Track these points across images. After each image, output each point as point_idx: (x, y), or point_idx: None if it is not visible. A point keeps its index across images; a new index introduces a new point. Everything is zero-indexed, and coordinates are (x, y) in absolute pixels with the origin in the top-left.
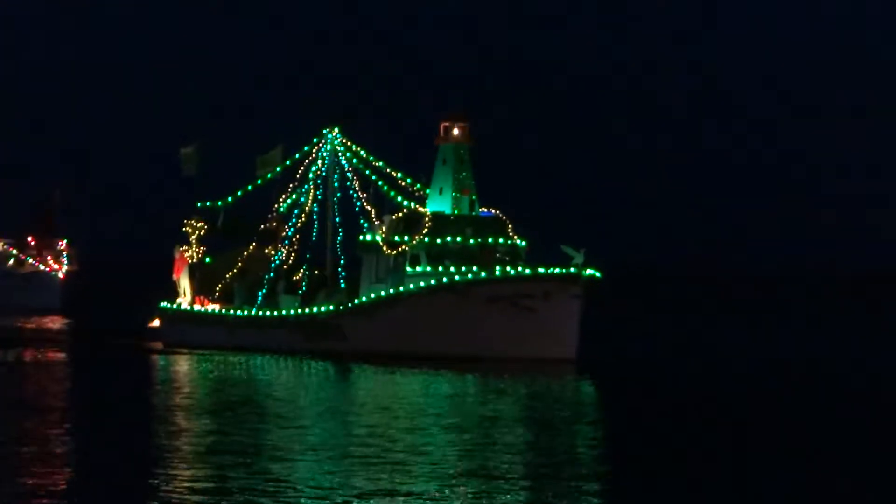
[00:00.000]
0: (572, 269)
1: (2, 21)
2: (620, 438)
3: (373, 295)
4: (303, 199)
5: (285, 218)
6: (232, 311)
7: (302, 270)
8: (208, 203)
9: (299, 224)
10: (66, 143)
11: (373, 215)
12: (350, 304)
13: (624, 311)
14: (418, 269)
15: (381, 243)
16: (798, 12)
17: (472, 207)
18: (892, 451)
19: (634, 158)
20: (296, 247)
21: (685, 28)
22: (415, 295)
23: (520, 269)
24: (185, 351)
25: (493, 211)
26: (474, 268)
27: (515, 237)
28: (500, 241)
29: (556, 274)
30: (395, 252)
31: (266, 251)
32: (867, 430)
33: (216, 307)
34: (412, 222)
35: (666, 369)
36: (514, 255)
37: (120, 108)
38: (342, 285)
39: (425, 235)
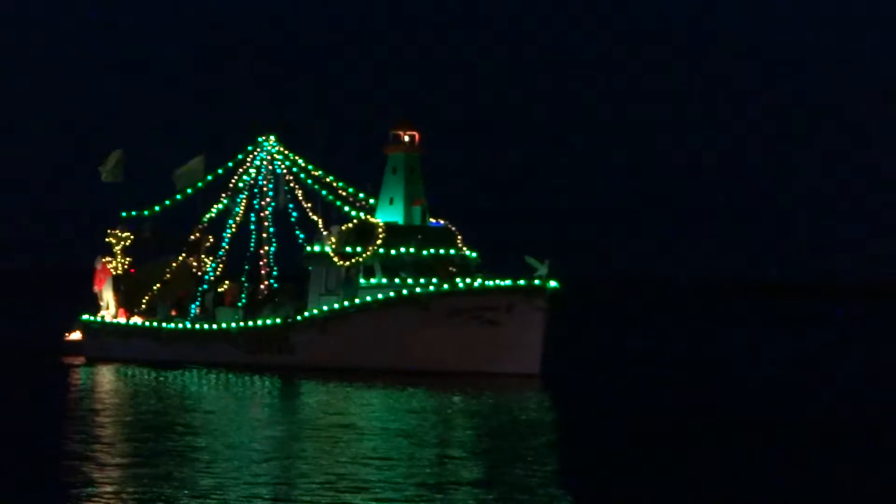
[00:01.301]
0: (536, 281)
1: None
2: (577, 450)
3: (325, 308)
4: (237, 210)
5: (208, 229)
6: (165, 324)
7: (240, 283)
8: (133, 212)
9: (229, 235)
10: None
11: (320, 225)
12: (299, 317)
13: (583, 323)
14: (373, 280)
15: (331, 254)
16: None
17: (424, 218)
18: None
19: (591, 166)
20: (223, 258)
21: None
22: (371, 307)
23: (482, 281)
24: (118, 365)
25: (442, 222)
26: (434, 280)
27: (464, 249)
28: (452, 252)
29: (521, 286)
30: (347, 263)
31: (190, 263)
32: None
33: (138, 320)
34: (364, 233)
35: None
36: (465, 268)
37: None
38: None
39: (379, 247)
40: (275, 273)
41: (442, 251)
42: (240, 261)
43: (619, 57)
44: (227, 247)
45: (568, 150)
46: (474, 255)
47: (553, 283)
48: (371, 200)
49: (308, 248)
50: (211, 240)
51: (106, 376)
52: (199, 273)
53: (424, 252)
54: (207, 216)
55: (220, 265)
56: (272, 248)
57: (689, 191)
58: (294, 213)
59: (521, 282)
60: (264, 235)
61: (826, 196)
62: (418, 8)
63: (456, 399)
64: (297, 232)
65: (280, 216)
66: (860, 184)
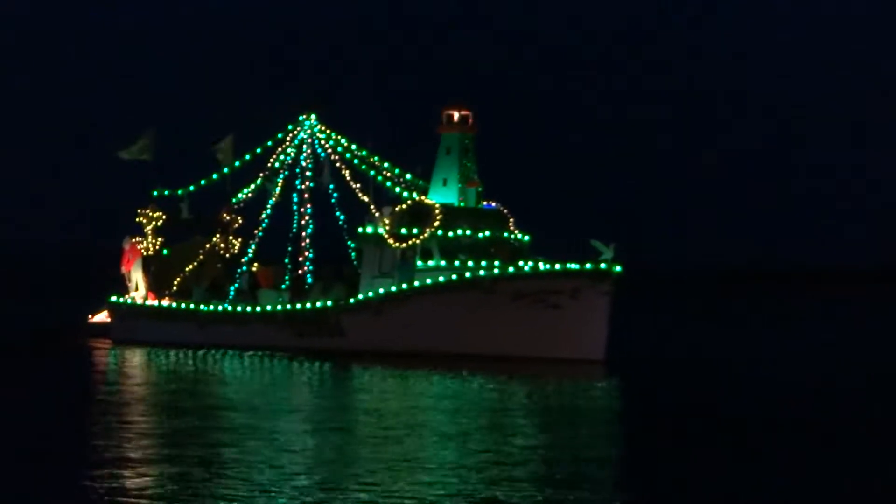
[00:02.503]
0: (602, 266)
1: None
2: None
3: (381, 290)
4: (276, 190)
5: (239, 210)
6: (204, 306)
7: (278, 265)
8: (166, 192)
9: (266, 216)
10: None
11: (371, 206)
12: (354, 299)
13: (645, 310)
14: (430, 263)
15: (385, 235)
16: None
17: (478, 200)
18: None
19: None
20: (257, 240)
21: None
22: (433, 290)
23: (548, 264)
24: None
25: (494, 204)
26: (496, 262)
27: (516, 232)
28: (505, 235)
29: (587, 270)
30: (403, 245)
31: (218, 244)
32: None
33: (170, 302)
34: (420, 214)
35: (697, 370)
36: (519, 251)
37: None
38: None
39: (437, 228)
40: (310, 255)
41: (496, 233)
42: (275, 243)
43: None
44: (263, 228)
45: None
46: (526, 238)
47: (618, 268)
48: (418, 181)
49: (361, 230)
50: (240, 220)
51: (139, 358)
52: (227, 255)
53: (480, 234)
54: (241, 196)
55: (254, 247)
56: (309, 230)
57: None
58: (335, 194)
59: (588, 266)
60: (296, 216)
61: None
62: None
63: (520, 387)
64: (338, 213)
65: (319, 197)
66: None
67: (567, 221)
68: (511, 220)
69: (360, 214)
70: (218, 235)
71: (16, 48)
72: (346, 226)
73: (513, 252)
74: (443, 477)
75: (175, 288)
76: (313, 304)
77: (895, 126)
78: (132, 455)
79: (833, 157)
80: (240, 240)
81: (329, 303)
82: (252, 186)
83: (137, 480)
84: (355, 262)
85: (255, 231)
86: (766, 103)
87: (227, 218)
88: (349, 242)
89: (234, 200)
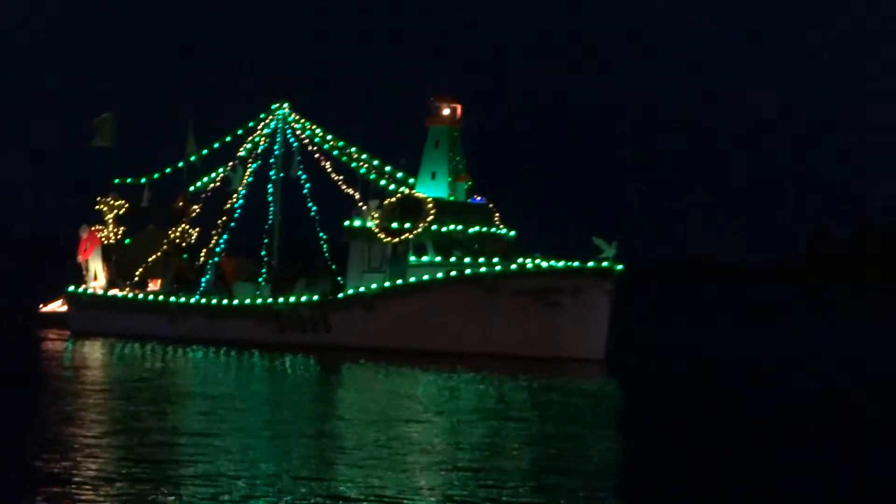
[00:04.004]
0: (604, 263)
1: None
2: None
3: (373, 286)
4: (243, 179)
5: (195, 198)
6: (174, 298)
7: (246, 257)
8: (129, 180)
9: (229, 206)
10: None
11: (358, 199)
12: (343, 294)
13: (645, 308)
14: (424, 259)
15: (375, 229)
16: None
17: (468, 194)
18: None
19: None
20: (220, 230)
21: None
22: (431, 286)
23: (551, 262)
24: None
25: (481, 198)
26: (495, 259)
27: (502, 227)
28: (493, 230)
29: (590, 268)
30: (396, 240)
31: (174, 234)
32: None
33: (137, 293)
34: (411, 208)
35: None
36: (510, 247)
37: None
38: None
39: (432, 223)
40: (275, 247)
41: (485, 229)
42: (242, 234)
43: None
44: (225, 219)
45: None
46: (512, 233)
47: (619, 266)
48: (399, 174)
49: (347, 223)
50: (197, 210)
51: (101, 350)
52: (184, 245)
53: (471, 230)
54: (199, 185)
55: (226, 237)
56: (270, 220)
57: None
58: (307, 185)
59: (591, 264)
60: (272, 208)
61: None
62: None
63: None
64: (310, 205)
65: (289, 187)
66: None
67: (550, 218)
68: (497, 215)
69: (332, 207)
70: (176, 225)
71: None
72: (317, 217)
73: (507, 248)
74: (431, 473)
75: (137, 279)
76: (297, 298)
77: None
78: (87, 441)
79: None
80: (198, 230)
81: (315, 297)
82: (213, 175)
83: (89, 463)
84: (327, 255)
85: (219, 221)
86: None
87: (183, 207)
88: (321, 234)
89: (190, 189)
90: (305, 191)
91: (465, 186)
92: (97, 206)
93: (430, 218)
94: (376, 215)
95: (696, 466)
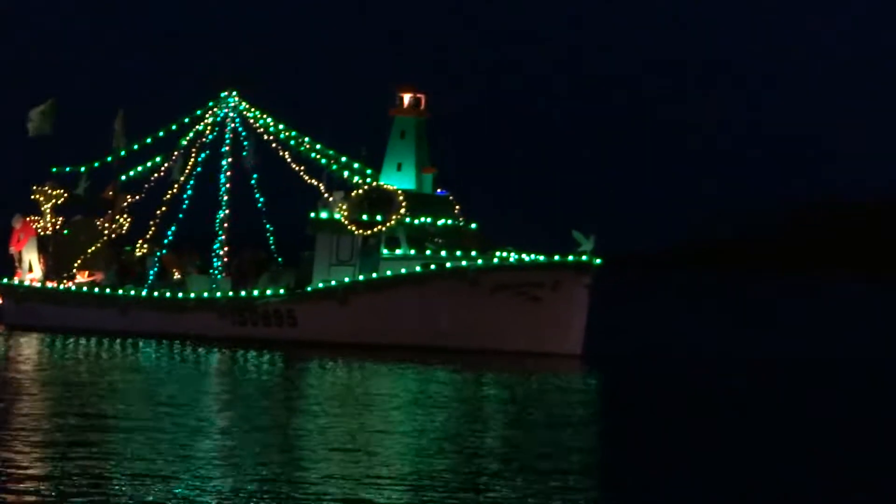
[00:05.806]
0: (584, 257)
1: None
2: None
3: (346, 279)
4: (198, 170)
5: (127, 187)
6: (123, 290)
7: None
8: (67, 168)
9: (168, 196)
10: None
11: (322, 191)
12: (311, 287)
13: (620, 301)
14: (398, 252)
15: (344, 222)
16: None
17: (434, 186)
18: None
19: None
20: (157, 221)
21: None
22: (409, 280)
23: (531, 256)
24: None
25: (442, 191)
26: (473, 252)
27: (461, 219)
28: (457, 223)
29: (570, 262)
30: (367, 232)
31: (102, 224)
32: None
33: (82, 286)
34: (381, 200)
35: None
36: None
37: None
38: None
39: (404, 216)
40: (219, 239)
41: (450, 222)
42: (185, 225)
43: None
44: (165, 209)
45: None
46: (473, 226)
47: (598, 260)
48: (356, 165)
49: (314, 215)
50: (129, 199)
51: (36, 346)
52: (113, 235)
53: (443, 223)
54: (131, 174)
55: (154, 228)
56: (220, 213)
57: None
58: (255, 175)
59: (570, 258)
60: (226, 199)
61: None
62: None
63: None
64: (257, 195)
65: (235, 178)
66: None
67: (514, 209)
68: (457, 207)
69: (288, 198)
70: (100, 215)
71: None
72: (265, 209)
73: (480, 242)
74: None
75: (74, 270)
76: (262, 291)
77: None
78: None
79: None
80: (129, 220)
81: (281, 291)
82: (149, 164)
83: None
84: (273, 247)
85: (157, 212)
86: None
87: (113, 197)
88: (267, 226)
89: (121, 178)
90: (253, 181)
91: (432, 178)
92: (33, 196)
93: (403, 210)
94: (343, 207)
95: (675, 458)
